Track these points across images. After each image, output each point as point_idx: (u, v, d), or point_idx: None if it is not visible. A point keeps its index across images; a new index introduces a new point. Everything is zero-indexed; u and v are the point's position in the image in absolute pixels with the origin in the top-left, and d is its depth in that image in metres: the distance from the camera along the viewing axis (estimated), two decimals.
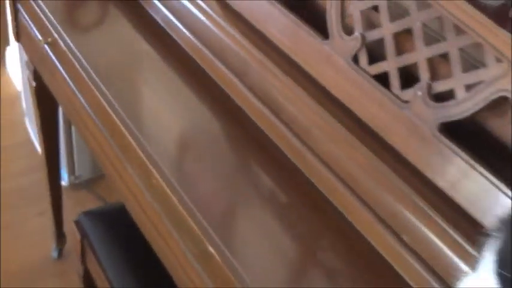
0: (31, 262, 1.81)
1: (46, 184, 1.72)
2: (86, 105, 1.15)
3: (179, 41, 1.17)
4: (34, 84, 1.47)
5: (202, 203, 0.90)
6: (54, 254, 1.81)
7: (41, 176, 2.08)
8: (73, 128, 1.91)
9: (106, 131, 1.08)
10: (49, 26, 1.23)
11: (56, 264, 1.82)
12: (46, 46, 1.22)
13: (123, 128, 1.01)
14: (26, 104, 2.21)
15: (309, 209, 0.91)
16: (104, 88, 1.10)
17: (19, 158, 2.12)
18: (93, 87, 1.11)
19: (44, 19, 1.25)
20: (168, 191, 0.91)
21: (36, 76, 1.46)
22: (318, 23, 0.98)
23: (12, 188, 2.01)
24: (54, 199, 1.73)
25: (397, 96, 0.85)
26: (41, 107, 1.52)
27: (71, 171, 2.00)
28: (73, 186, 2.03)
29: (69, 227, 1.81)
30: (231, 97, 1.05)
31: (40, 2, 1.29)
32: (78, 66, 1.14)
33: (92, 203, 2.04)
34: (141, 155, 0.96)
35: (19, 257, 1.80)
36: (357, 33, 0.90)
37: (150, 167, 0.94)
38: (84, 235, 1.28)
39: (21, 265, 1.79)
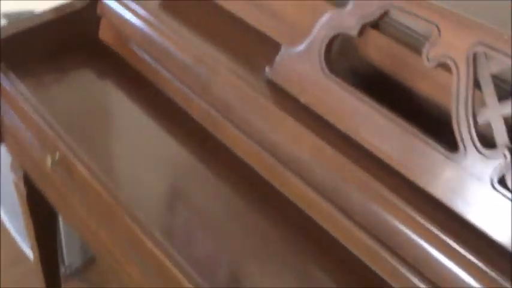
0: None
1: None
2: (116, 243, 0.89)
3: (221, 137, 0.94)
4: (25, 192, 1.19)
5: None
6: None
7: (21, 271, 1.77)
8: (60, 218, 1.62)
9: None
10: (54, 136, 0.95)
11: None
12: (52, 166, 0.94)
13: None
14: None
15: None
16: (142, 219, 0.84)
17: None
18: (130, 221, 0.85)
19: (47, 129, 0.96)
20: None
21: (26, 180, 1.18)
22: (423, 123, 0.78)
23: None
24: None
25: None
26: (35, 215, 1.24)
27: (61, 261, 1.71)
28: (63, 277, 1.74)
29: None
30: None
31: (34, 102, 1.01)
32: (104, 193, 0.88)
33: None
34: None
35: None
36: (501, 148, 0.70)
37: None
38: None
39: None
